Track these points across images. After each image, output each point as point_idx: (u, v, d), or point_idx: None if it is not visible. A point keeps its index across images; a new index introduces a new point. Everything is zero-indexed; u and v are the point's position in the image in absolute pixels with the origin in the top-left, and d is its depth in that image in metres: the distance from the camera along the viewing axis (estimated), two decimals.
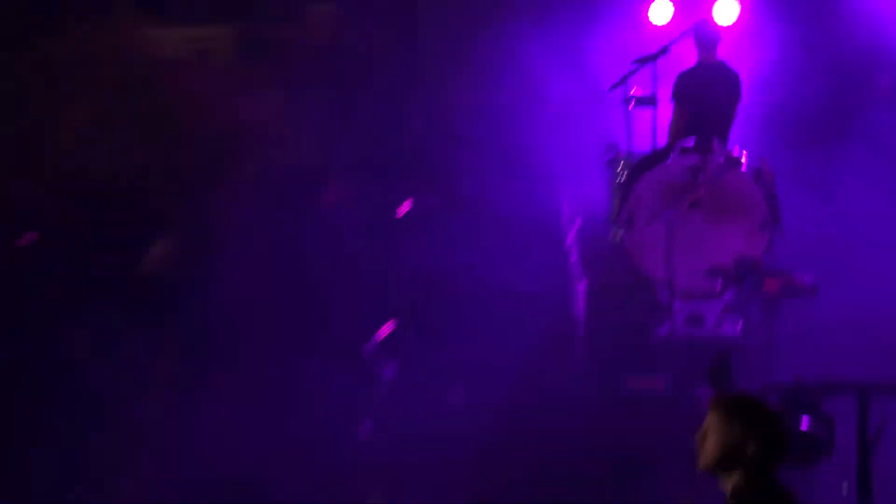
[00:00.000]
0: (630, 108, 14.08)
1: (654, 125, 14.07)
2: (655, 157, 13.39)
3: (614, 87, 14.03)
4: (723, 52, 13.94)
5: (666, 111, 13.88)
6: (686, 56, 14.00)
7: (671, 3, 14.71)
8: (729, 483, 7.09)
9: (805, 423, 9.69)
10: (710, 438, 7.12)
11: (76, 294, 12.39)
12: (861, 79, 15.34)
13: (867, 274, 13.32)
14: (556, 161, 14.42)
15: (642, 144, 14.01)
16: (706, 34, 13.98)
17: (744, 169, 13.25)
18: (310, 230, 13.70)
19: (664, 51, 13.92)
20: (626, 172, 13.58)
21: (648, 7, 14.84)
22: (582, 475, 11.64)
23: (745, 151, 13.48)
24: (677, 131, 13.48)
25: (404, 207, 13.94)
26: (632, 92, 14.00)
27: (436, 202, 14.22)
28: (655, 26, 14.76)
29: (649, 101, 13.99)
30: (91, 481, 11.47)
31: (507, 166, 14.29)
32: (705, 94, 13.67)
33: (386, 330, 12.40)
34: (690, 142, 13.11)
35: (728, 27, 14.63)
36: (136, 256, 13.08)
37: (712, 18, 14.42)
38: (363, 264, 13.57)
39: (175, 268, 13.29)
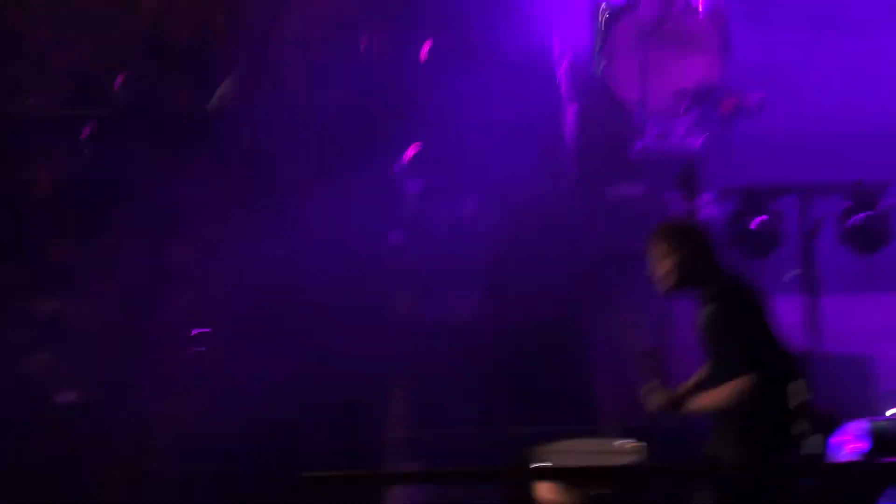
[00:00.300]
0: None
1: None
2: (631, 3, 14.02)
3: None
4: None
5: None
6: None
7: None
8: (697, 294, 7.64)
9: (755, 222, 10.46)
10: (659, 265, 7.67)
11: None
12: None
13: (804, 92, 13.80)
14: (549, 7, 14.50)
15: None
16: None
17: (701, 10, 13.85)
18: None
19: None
20: (607, 14, 14.05)
21: None
22: (570, 265, 12.00)
23: None
24: None
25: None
26: None
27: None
28: None
29: None
30: None
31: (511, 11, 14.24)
32: None
33: (412, 151, 12.50)
34: None
35: None
36: None
37: None
38: None
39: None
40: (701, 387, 7.69)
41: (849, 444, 8.79)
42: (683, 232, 7.75)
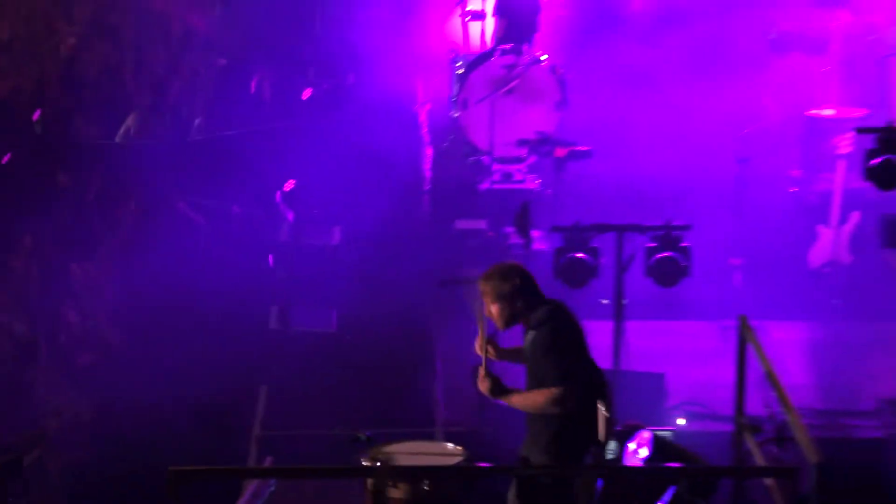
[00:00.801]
0: (467, 20, 14.79)
1: (482, 33, 14.69)
2: (483, 56, 14.14)
3: (457, 4, 14.72)
4: None
5: (491, 23, 14.44)
6: None
7: None
8: (527, 320, 7.69)
9: (575, 253, 10.43)
10: (493, 311, 7.69)
11: None
12: None
13: (629, 144, 14.10)
14: (413, 59, 14.82)
15: (475, 47, 14.69)
16: None
17: (545, 65, 13.97)
18: None
19: None
20: (462, 67, 14.12)
21: None
22: (420, 288, 12.13)
23: (544, 54, 14.08)
24: (498, 37, 14.10)
25: None
26: (468, 8, 14.72)
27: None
28: None
29: (480, 15, 14.67)
30: None
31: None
32: (518, 8, 14.17)
33: (289, 185, 12.61)
34: (508, 45, 13.92)
35: None
36: None
37: None
38: None
39: None
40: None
41: (638, 450, 8.77)
42: (505, 277, 7.73)
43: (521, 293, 7.68)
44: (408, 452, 7.95)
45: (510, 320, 7.75)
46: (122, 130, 12.94)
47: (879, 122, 11.25)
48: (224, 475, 8.88)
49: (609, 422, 7.66)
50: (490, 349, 7.94)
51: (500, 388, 7.76)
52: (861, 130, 11.10)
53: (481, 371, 7.81)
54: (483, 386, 7.78)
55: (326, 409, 10.52)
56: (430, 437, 9.54)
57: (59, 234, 11.52)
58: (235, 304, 11.86)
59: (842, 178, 12.89)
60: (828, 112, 14.18)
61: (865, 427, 10.59)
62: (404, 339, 11.70)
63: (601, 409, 7.61)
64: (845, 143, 12.81)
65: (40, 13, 12.74)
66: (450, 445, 8.12)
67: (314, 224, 12.91)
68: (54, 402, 10.53)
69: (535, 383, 7.68)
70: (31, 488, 9.73)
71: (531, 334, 7.70)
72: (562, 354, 7.58)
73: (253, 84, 14.04)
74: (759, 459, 8.27)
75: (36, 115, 12.29)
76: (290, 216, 12.76)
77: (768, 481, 8.06)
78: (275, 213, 12.81)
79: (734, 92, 14.47)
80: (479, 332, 7.92)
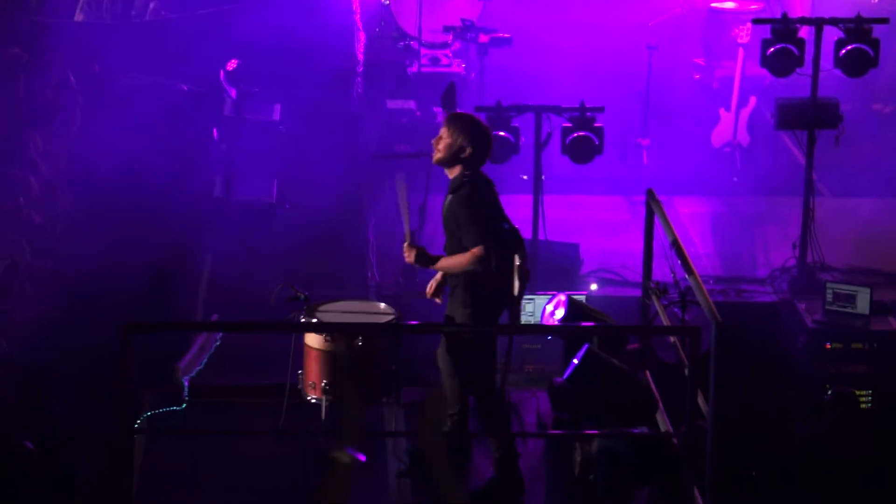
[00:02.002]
0: None
1: None
2: None
3: None
4: None
5: None
6: None
7: None
8: (451, 174, 7.66)
9: (498, 131, 10.14)
10: (442, 143, 7.61)
11: None
12: None
13: (548, 32, 14.11)
14: None
15: None
16: None
17: None
18: None
19: None
20: None
21: None
22: (354, 162, 12.19)
23: None
24: None
25: None
26: None
27: None
28: None
29: None
30: None
31: None
32: None
33: (232, 64, 12.41)
34: None
35: None
36: None
37: None
38: None
39: None
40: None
41: (554, 311, 9.01)
42: (469, 125, 7.65)
43: (473, 144, 7.59)
44: (343, 311, 7.94)
45: (449, 160, 7.64)
46: (77, 9, 12.60)
47: (775, 14, 11.34)
48: (173, 328, 8.94)
49: (524, 275, 7.64)
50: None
51: (426, 257, 7.73)
52: (758, 21, 11.11)
53: (406, 244, 7.74)
54: (410, 257, 7.75)
55: (267, 271, 10.39)
56: (363, 298, 9.32)
57: (17, 105, 11.03)
58: (183, 175, 11.70)
59: (741, 66, 12.95)
60: (728, 5, 14.34)
61: (760, 293, 10.77)
62: (339, 208, 11.56)
63: (517, 262, 7.60)
64: (744, 34, 12.82)
65: None
66: (381, 305, 8.11)
67: (255, 101, 12.65)
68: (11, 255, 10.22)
69: (454, 243, 7.67)
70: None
71: (450, 198, 7.67)
72: (479, 216, 7.55)
73: None
74: (665, 320, 8.36)
75: None
76: (233, 93, 12.54)
77: (673, 339, 8.16)
78: (219, 90, 12.55)
79: None
80: (403, 209, 7.84)
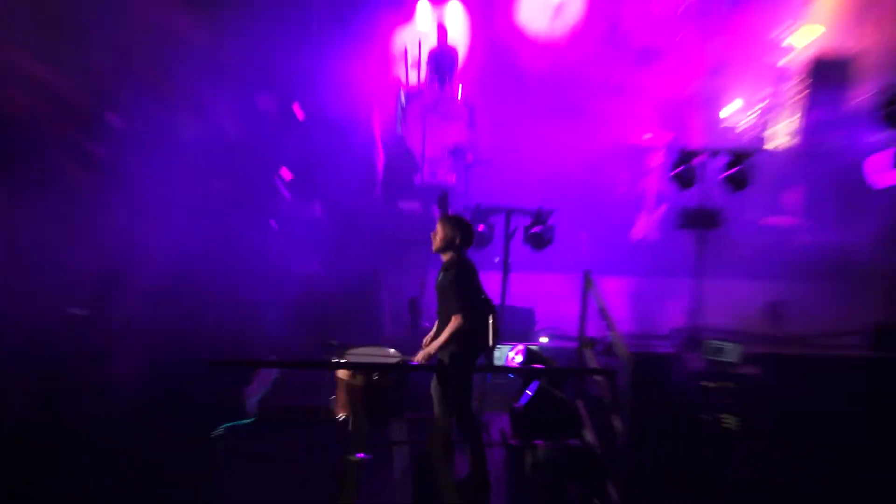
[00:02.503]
0: (408, 66, 14.27)
1: (418, 75, 14.36)
2: (419, 91, 14.11)
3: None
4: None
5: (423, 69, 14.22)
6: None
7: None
8: (444, 257, 7.65)
9: (480, 228, 10.11)
10: (438, 236, 7.64)
11: None
12: None
13: (517, 153, 13.78)
14: (372, 92, 14.19)
15: (413, 85, 14.33)
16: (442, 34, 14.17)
17: (459, 99, 14.10)
18: None
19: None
20: (405, 98, 14.05)
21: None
22: (375, 247, 12.07)
23: (460, 87, 13.87)
24: (429, 79, 14.09)
25: None
26: (409, 57, 14.21)
27: None
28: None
29: (416, 63, 14.26)
30: None
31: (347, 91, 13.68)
32: (441, 59, 14.05)
33: (287, 174, 12.26)
34: (435, 84, 14.13)
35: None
36: None
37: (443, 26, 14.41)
38: None
39: None
40: (437, 331, 7.66)
41: (515, 356, 9.15)
42: (458, 223, 7.66)
43: (461, 236, 7.62)
44: (364, 354, 7.99)
45: (443, 248, 7.59)
46: None
47: (680, 144, 11.21)
48: (248, 365, 8.76)
49: (496, 332, 7.62)
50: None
51: (428, 352, 7.66)
52: (668, 149, 11.18)
53: (421, 354, 7.64)
54: (421, 358, 7.68)
55: (311, 322, 10.31)
56: (378, 345, 9.40)
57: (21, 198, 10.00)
58: (255, 255, 11.51)
59: (655, 181, 12.89)
60: (646, 136, 14.25)
61: (662, 346, 10.69)
62: (363, 279, 11.49)
63: (490, 321, 7.63)
64: (657, 158, 12.81)
65: None
66: (392, 350, 8.11)
67: (302, 201, 12.67)
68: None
69: (442, 307, 7.59)
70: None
71: (442, 275, 7.62)
72: (462, 291, 7.52)
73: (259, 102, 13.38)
74: (594, 364, 8.40)
75: None
76: (287, 195, 12.57)
77: (599, 378, 8.21)
78: (276, 192, 12.60)
79: (583, 122, 14.45)
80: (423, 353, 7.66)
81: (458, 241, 7.58)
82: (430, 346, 7.66)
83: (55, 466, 7.84)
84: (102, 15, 10.63)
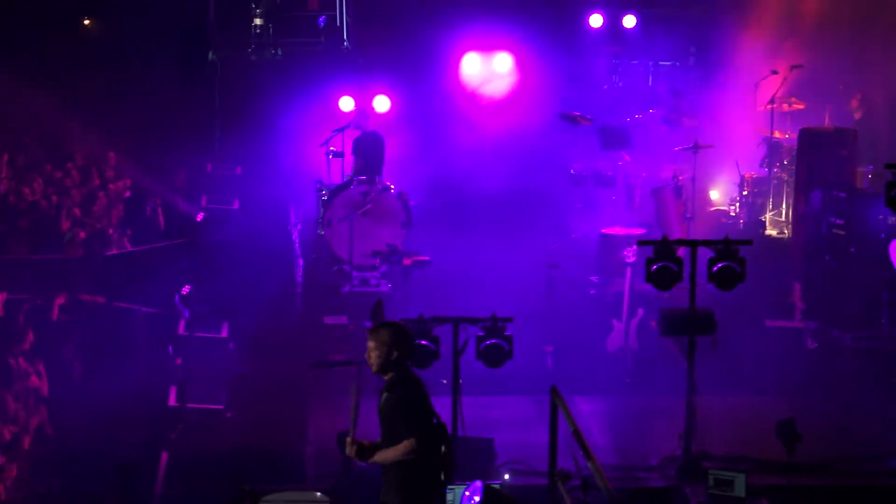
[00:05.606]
0: (330, 157, 15.11)
1: (342, 168, 15.14)
2: (343, 185, 14.43)
3: (322, 145, 15.05)
4: (375, 125, 14.99)
5: (348, 160, 14.92)
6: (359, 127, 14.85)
7: (352, 98, 15.51)
8: (386, 376, 7.71)
9: (420, 341, 10.01)
10: (373, 355, 7.65)
11: None
12: None
13: (462, 253, 14.41)
14: (287, 191, 15.25)
15: (336, 178, 15.02)
16: (367, 116, 14.95)
17: (392, 192, 14.31)
18: None
19: (347, 126, 14.85)
20: (326, 194, 14.42)
21: (339, 100, 15.46)
22: (297, 370, 11.99)
23: (392, 184, 14.39)
24: (355, 171, 14.52)
25: None
26: (330, 148, 15.07)
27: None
28: (342, 111, 15.46)
29: (340, 154, 15.05)
30: None
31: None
32: (369, 149, 14.66)
33: (186, 289, 12.48)
34: (363, 177, 14.28)
35: (382, 113, 15.56)
36: None
37: (372, 108, 15.39)
38: None
39: None
40: (379, 447, 7.74)
41: (472, 496, 8.75)
42: (391, 333, 7.72)
43: (397, 350, 7.68)
44: (285, 501, 8.13)
45: (383, 368, 7.69)
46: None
47: (655, 237, 11.39)
48: None
49: (450, 464, 7.70)
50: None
51: (365, 452, 7.75)
52: (642, 243, 11.15)
53: (349, 439, 7.73)
54: (351, 451, 7.75)
55: (216, 467, 10.35)
56: (303, 489, 9.24)
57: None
58: (142, 385, 11.57)
59: (629, 282, 12.93)
60: (617, 229, 14.52)
61: (652, 479, 10.60)
62: (280, 412, 11.50)
63: (444, 451, 7.67)
64: (631, 254, 12.84)
65: None
66: (318, 494, 8.26)
67: (206, 320, 12.65)
68: None
69: (387, 435, 7.66)
70: None
71: (385, 395, 7.66)
72: (412, 413, 7.61)
73: (147, 208, 14.34)
74: (569, 503, 8.22)
75: None
76: (187, 314, 12.55)
77: None
78: (174, 311, 12.58)
79: (545, 214, 15.04)
80: (352, 407, 7.82)
81: (396, 353, 7.64)
82: (377, 455, 7.70)
83: None
84: None
